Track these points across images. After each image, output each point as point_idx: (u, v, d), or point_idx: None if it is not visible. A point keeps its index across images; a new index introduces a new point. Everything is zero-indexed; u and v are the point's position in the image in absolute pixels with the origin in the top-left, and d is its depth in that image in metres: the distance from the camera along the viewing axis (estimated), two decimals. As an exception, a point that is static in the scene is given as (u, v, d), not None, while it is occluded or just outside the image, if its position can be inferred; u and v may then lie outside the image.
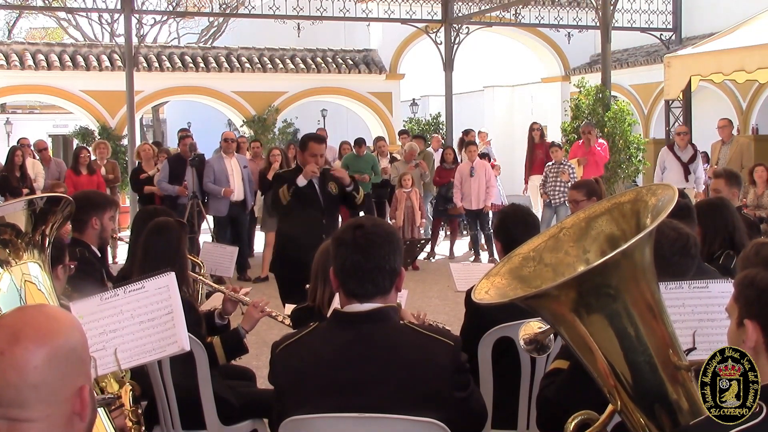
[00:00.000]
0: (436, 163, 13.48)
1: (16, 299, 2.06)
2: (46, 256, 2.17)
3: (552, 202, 11.52)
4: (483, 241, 12.39)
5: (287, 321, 4.06)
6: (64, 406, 1.53)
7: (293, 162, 12.32)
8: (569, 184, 11.17)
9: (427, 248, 12.71)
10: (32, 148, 13.02)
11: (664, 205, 1.80)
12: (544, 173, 11.79)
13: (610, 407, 1.90)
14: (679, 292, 2.37)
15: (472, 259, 12.36)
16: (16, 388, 1.48)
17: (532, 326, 3.00)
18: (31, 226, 2.12)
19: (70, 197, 2.27)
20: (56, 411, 1.52)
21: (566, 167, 11.48)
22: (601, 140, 12.35)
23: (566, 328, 1.85)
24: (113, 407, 2.56)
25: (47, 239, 2.17)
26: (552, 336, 3.01)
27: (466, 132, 14.99)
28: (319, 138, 6.44)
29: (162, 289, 2.85)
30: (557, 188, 11.45)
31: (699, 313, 2.38)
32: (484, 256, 12.47)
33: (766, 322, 1.74)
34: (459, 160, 13.00)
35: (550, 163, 11.72)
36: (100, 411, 2.10)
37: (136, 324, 2.82)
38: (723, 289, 2.35)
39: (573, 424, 1.97)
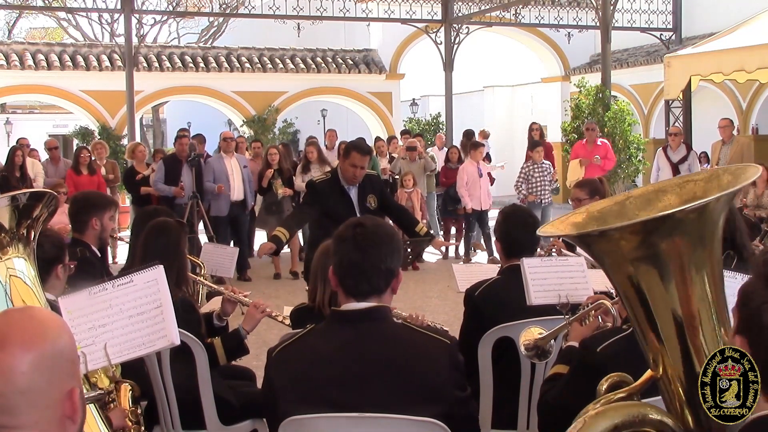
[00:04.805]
0: (440, 163, 13.38)
1: (1, 296, 2.04)
2: (31, 250, 2.15)
3: (541, 201, 11.50)
4: (482, 240, 12.36)
5: (287, 321, 4.07)
6: (54, 410, 1.51)
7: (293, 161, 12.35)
8: (555, 183, 11.17)
9: (461, 252, 12.70)
10: (43, 146, 13.05)
11: (740, 181, 1.77)
12: (524, 174, 11.57)
13: (649, 372, 1.87)
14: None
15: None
16: (4, 395, 1.46)
17: (533, 332, 3.00)
18: (15, 221, 2.11)
19: (52, 192, 2.26)
20: (46, 416, 1.50)
21: (548, 166, 11.48)
22: (603, 140, 12.29)
23: (628, 280, 1.79)
24: (103, 402, 2.56)
25: (33, 232, 2.15)
26: (552, 341, 3.01)
27: (469, 134, 14.76)
28: (363, 149, 6.03)
29: (150, 283, 2.84)
30: (545, 188, 11.43)
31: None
32: (483, 256, 12.45)
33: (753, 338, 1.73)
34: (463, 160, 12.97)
35: (529, 164, 11.58)
36: (91, 408, 2.09)
37: (126, 318, 2.80)
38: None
39: (606, 384, 1.95)
